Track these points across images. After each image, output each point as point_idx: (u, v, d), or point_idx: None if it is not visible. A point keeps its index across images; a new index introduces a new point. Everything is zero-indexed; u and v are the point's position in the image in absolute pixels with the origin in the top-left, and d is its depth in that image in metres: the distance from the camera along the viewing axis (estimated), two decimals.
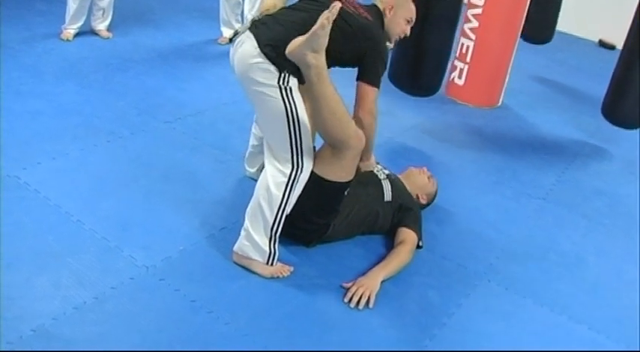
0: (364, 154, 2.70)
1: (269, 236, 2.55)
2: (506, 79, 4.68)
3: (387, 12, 2.72)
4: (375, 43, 2.59)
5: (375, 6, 2.75)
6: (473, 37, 4.47)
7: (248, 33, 2.48)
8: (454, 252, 2.93)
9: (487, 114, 4.57)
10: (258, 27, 2.48)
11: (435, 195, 3.17)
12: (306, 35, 2.27)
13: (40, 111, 3.68)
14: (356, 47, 2.52)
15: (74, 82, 4.12)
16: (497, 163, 3.86)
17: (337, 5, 2.27)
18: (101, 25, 4.93)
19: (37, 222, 2.74)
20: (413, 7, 2.81)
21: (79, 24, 4.81)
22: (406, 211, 2.89)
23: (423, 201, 3.08)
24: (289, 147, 2.51)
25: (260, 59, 2.41)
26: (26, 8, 5.34)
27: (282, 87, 2.44)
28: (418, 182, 3.09)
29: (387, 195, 2.87)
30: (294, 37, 2.34)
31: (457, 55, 4.61)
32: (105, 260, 2.56)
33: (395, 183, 2.95)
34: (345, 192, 2.67)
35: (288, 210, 2.56)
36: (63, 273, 2.45)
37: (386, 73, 3.68)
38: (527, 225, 3.26)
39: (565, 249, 3.09)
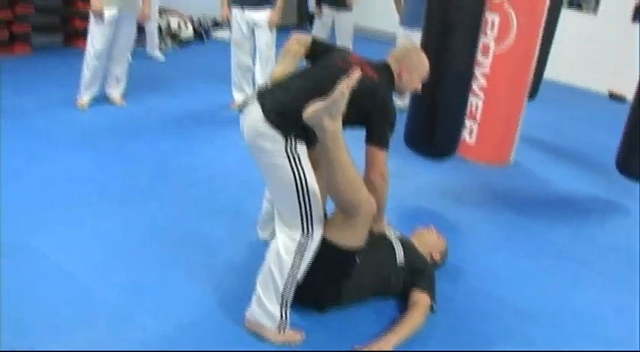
0: (376, 216, 2.70)
1: (280, 302, 2.53)
2: (517, 136, 4.71)
3: (402, 75, 2.78)
4: (382, 104, 2.61)
5: (386, 64, 2.79)
6: (482, 95, 4.52)
7: (255, 101, 2.53)
8: (468, 313, 2.89)
9: (499, 172, 4.57)
10: (265, 95, 2.53)
11: (447, 253, 3.16)
12: (325, 101, 2.29)
13: (54, 178, 3.74)
14: (361, 109, 2.55)
15: (88, 149, 4.20)
16: (510, 221, 3.84)
17: (356, 73, 2.30)
18: (115, 93, 5.05)
19: (48, 289, 2.75)
20: (427, 66, 2.86)
21: (94, 92, 4.93)
22: (419, 273, 2.87)
23: (437, 259, 3.07)
24: (299, 213, 2.52)
25: (267, 126, 2.45)
26: (46, 77, 5.51)
27: (290, 154, 2.47)
28: (429, 241, 3.09)
29: (400, 258, 2.86)
30: (301, 103, 2.37)
31: (467, 113, 4.65)
32: (116, 327, 2.55)
33: (407, 244, 2.94)
34: (357, 258, 2.67)
35: (299, 276, 2.55)
36: (76, 341, 2.44)
37: (399, 136, 3.72)
38: (541, 283, 3.21)
39: (581, 308, 3.03)
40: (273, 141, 2.45)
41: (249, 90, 5.30)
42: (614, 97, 6.88)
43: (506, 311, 2.94)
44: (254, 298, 2.57)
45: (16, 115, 4.60)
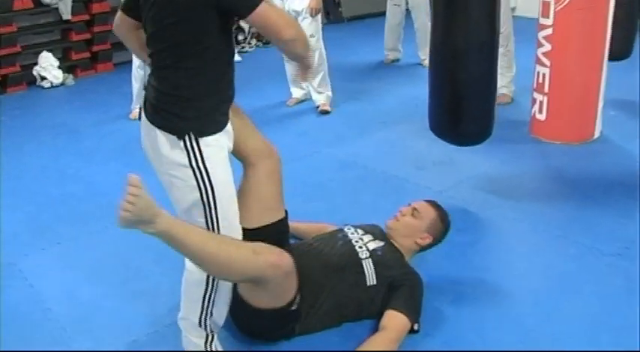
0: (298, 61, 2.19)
1: (204, 333, 2.19)
2: (600, 105, 3.86)
3: None
4: None
5: None
6: (547, 62, 3.77)
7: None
8: (468, 341, 2.29)
9: (576, 152, 3.77)
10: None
11: (440, 221, 2.54)
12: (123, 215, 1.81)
13: (73, 195, 3.68)
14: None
15: (120, 162, 4.10)
16: (569, 213, 3.11)
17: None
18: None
19: (10, 309, 2.62)
20: None
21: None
22: (396, 289, 2.33)
23: (426, 241, 2.50)
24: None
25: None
26: (114, 92, 5.58)
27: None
28: (403, 231, 2.49)
29: (371, 279, 2.35)
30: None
31: (534, 86, 3.92)
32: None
33: (381, 258, 2.40)
34: (293, 307, 2.21)
35: (218, 307, 2.18)
36: None
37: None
38: (587, 293, 2.50)
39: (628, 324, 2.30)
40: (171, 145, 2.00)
41: (305, 85, 4.94)
42: None
43: (528, 337, 2.29)
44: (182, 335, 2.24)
45: (69, 135, 4.66)
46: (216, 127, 2.05)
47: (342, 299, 2.32)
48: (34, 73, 5.92)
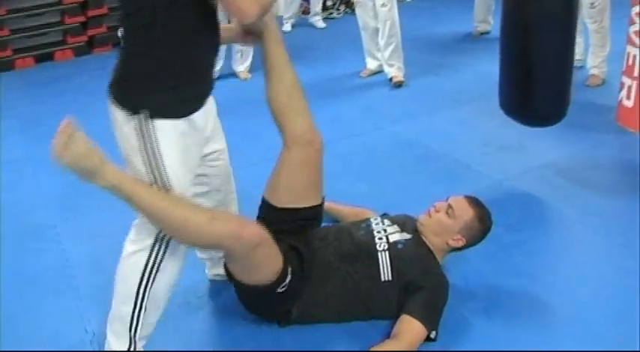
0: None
1: (128, 339, 1.96)
2: None
3: None
4: None
5: None
6: (639, 42, 3.34)
7: None
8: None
9: None
10: None
11: (477, 222, 2.26)
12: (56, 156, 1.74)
13: None
14: None
15: None
16: (638, 218, 2.74)
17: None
18: (241, 67, 4.89)
19: (37, 273, 2.67)
20: None
21: (217, 67, 4.79)
22: (414, 292, 2.12)
23: (458, 244, 2.25)
24: None
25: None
26: None
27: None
28: (435, 228, 2.25)
29: (385, 273, 2.15)
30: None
31: (624, 69, 3.50)
32: (58, 326, 2.36)
33: (401, 252, 2.19)
34: (280, 289, 2.07)
35: (153, 303, 1.95)
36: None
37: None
38: (636, 315, 2.19)
39: None
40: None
41: (380, 56, 4.68)
42: None
43: None
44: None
45: None
46: (179, 111, 1.82)
47: (351, 292, 2.16)
48: (119, 34, 5.99)
